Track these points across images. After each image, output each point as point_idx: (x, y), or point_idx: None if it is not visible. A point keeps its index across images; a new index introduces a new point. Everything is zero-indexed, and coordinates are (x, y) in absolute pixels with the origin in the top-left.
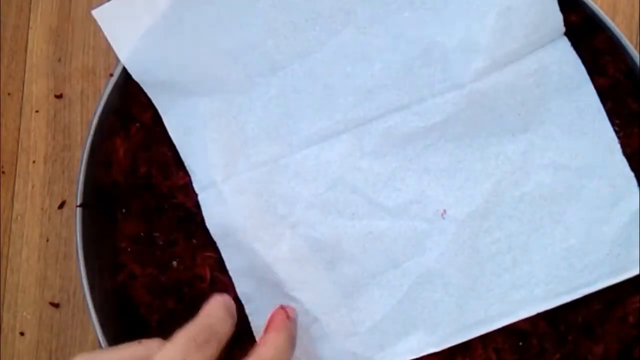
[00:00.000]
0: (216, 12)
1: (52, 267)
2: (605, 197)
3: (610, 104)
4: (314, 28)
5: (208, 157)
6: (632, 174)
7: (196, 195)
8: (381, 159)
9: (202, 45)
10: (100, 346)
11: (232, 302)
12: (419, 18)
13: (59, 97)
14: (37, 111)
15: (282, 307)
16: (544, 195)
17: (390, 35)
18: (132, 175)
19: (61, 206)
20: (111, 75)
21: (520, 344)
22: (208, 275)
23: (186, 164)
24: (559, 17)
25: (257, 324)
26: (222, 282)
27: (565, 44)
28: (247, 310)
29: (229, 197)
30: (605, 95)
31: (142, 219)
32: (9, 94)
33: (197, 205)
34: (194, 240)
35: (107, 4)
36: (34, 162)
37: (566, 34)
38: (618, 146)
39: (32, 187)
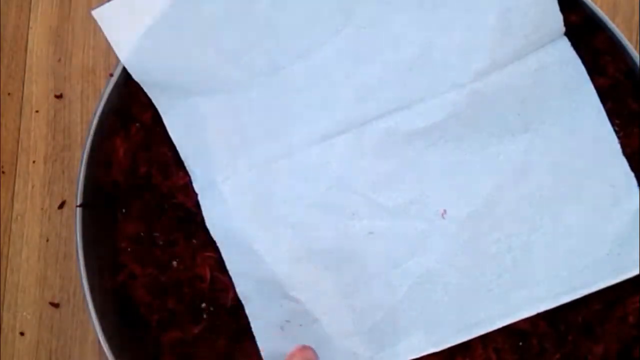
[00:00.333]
0: (216, 12)
1: (52, 267)
2: (605, 197)
3: (610, 104)
4: (314, 28)
5: (208, 157)
6: (632, 174)
7: (196, 195)
8: (381, 159)
9: (202, 45)
10: (100, 346)
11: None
12: (419, 18)
13: (59, 97)
14: (37, 111)
15: (302, 349)
16: (544, 195)
17: (390, 35)
18: (132, 175)
19: (61, 206)
20: (111, 75)
21: (520, 344)
22: (208, 275)
23: (186, 164)
24: (559, 17)
25: (257, 324)
26: (222, 282)
27: (565, 44)
28: (247, 310)
29: (229, 197)
30: (605, 95)
31: (142, 219)
32: (9, 94)
33: (197, 205)
34: (194, 240)
35: (107, 4)
36: (34, 162)
37: (566, 34)
38: (618, 146)
39: (32, 187)
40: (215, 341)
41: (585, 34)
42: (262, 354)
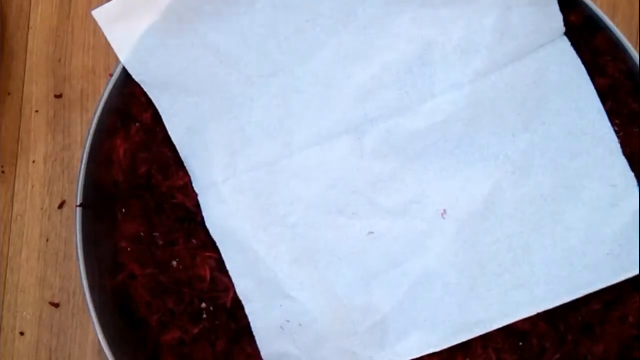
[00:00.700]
0: (216, 12)
1: (52, 267)
2: (605, 197)
3: (610, 104)
4: (314, 28)
5: (208, 157)
6: (632, 174)
7: (196, 195)
8: (381, 159)
9: (203, 45)
10: (100, 346)
11: None
12: (419, 18)
13: (59, 97)
14: (37, 111)
15: None
16: (544, 195)
17: (390, 35)
18: (132, 175)
19: (61, 206)
20: (111, 75)
21: (520, 344)
22: (208, 275)
23: (186, 164)
24: (559, 17)
25: (257, 324)
26: (222, 282)
27: (565, 44)
28: (247, 310)
29: (229, 198)
30: (605, 95)
31: (142, 219)
32: (9, 94)
33: (197, 205)
34: (194, 240)
35: (107, 4)
36: (34, 162)
37: (566, 34)
38: (618, 146)
39: (32, 187)
40: (215, 341)
41: (585, 34)
42: (262, 353)
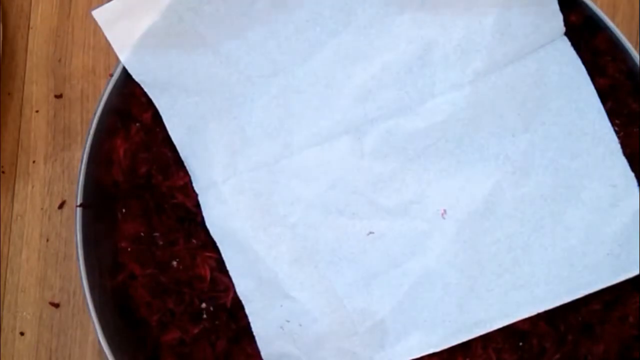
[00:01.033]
0: (216, 12)
1: (52, 267)
2: (605, 197)
3: (610, 104)
4: (314, 29)
5: (208, 157)
6: (632, 174)
7: (196, 195)
8: (381, 159)
9: (203, 45)
10: (100, 346)
11: None
12: (419, 18)
13: (59, 97)
14: (37, 111)
15: None
16: (544, 195)
17: (390, 35)
18: (132, 175)
19: (61, 206)
20: (111, 75)
21: (520, 344)
22: (208, 275)
23: (186, 164)
24: (559, 17)
25: (257, 324)
26: (222, 282)
27: (565, 44)
28: (247, 310)
29: (229, 198)
30: (605, 95)
31: (142, 219)
32: (9, 94)
33: (197, 205)
34: (194, 240)
35: (107, 4)
36: (34, 162)
37: (566, 34)
38: (618, 146)
39: (32, 187)
40: (215, 341)
41: (585, 34)
42: (262, 353)
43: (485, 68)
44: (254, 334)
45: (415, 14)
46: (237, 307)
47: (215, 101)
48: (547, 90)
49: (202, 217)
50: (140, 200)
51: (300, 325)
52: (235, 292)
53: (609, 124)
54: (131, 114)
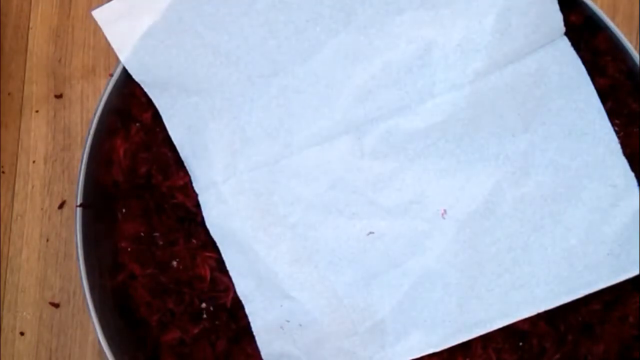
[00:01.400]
0: (216, 13)
1: (52, 267)
2: (605, 197)
3: (610, 104)
4: (314, 29)
5: (208, 157)
6: (632, 174)
7: (196, 195)
8: (381, 159)
9: (202, 45)
10: (100, 346)
11: None
12: (419, 18)
13: (59, 97)
14: (37, 111)
15: None
16: (544, 195)
17: (390, 35)
18: (132, 175)
19: (61, 206)
20: (111, 75)
21: (520, 344)
22: (208, 275)
23: (186, 164)
24: (559, 17)
25: (257, 324)
26: (222, 282)
27: (565, 44)
28: (247, 310)
29: (229, 198)
30: (605, 95)
31: (142, 219)
32: (9, 94)
33: (197, 205)
34: (194, 240)
35: (107, 4)
36: (34, 162)
37: (566, 34)
38: (618, 146)
39: (32, 187)
40: (215, 341)
41: (585, 34)
42: (262, 353)
43: (485, 68)
44: (254, 334)
45: (415, 13)
46: (237, 307)
47: (215, 101)
48: (547, 90)
49: (202, 217)
50: (140, 200)
51: (300, 325)
52: (235, 292)
53: (609, 124)
54: (131, 114)
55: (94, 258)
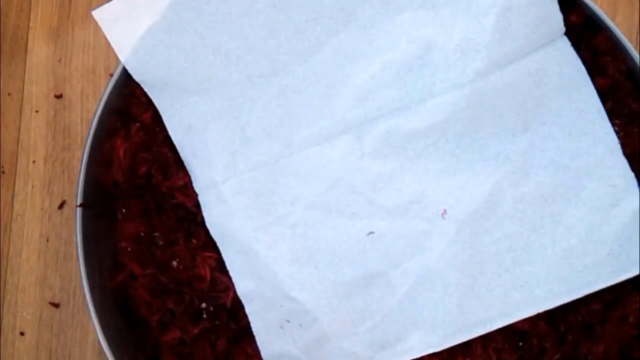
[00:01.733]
0: (216, 13)
1: (52, 267)
2: (605, 197)
3: (610, 104)
4: (314, 28)
5: (208, 157)
6: (632, 174)
7: (196, 195)
8: (381, 159)
9: (202, 45)
10: (100, 346)
11: None
12: (419, 18)
13: (59, 97)
14: (37, 111)
15: None
16: (544, 195)
17: (390, 35)
18: (132, 175)
19: (61, 206)
20: (111, 75)
21: (520, 344)
22: (208, 275)
23: (186, 164)
24: (559, 17)
25: (257, 324)
26: (222, 282)
27: (565, 44)
28: (247, 310)
29: (229, 198)
30: (605, 95)
31: (142, 219)
32: (9, 94)
33: (197, 205)
34: (194, 240)
35: (107, 4)
36: (34, 162)
37: (566, 34)
38: (618, 146)
39: (32, 187)
40: (215, 341)
41: (585, 34)
42: (262, 353)
43: (485, 68)
44: (254, 334)
45: (415, 13)
46: (237, 307)
47: (215, 101)
48: (547, 90)
49: (202, 217)
50: (140, 200)
51: (300, 325)
52: (235, 292)
53: (609, 124)
54: (131, 114)
55: (94, 258)
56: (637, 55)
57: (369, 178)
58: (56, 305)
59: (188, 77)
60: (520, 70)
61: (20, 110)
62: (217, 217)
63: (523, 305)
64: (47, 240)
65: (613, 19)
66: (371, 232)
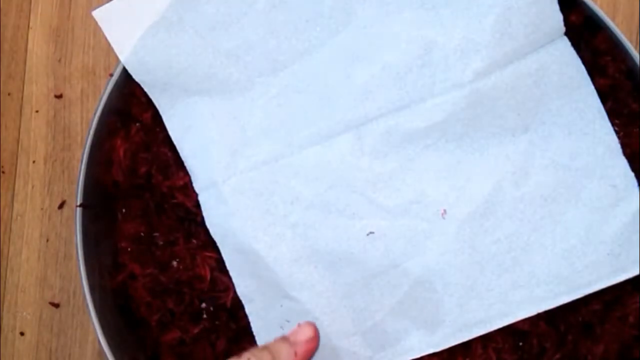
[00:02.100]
0: (216, 12)
1: (52, 267)
2: (605, 197)
3: (610, 104)
4: (314, 28)
5: (208, 157)
6: (632, 174)
7: (196, 195)
8: (381, 159)
9: (203, 45)
10: (100, 346)
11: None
12: (418, 18)
13: (59, 97)
14: (37, 111)
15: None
16: (544, 195)
17: (390, 35)
18: (132, 175)
19: (61, 206)
20: (111, 75)
21: (520, 344)
22: (208, 275)
23: (186, 164)
24: (559, 17)
25: (257, 324)
26: (222, 282)
27: (565, 44)
28: (247, 310)
29: (229, 198)
30: (605, 95)
31: (142, 219)
32: (9, 94)
33: (197, 205)
34: (194, 240)
35: (107, 4)
36: (34, 162)
37: (566, 34)
38: (618, 146)
39: (32, 187)
40: (215, 341)
41: (585, 34)
42: None
43: (485, 68)
44: (254, 334)
45: (415, 13)
46: (237, 307)
47: (215, 101)
48: (547, 90)
49: (202, 217)
50: (140, 200)
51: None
52: (235, 292)
53: (609, 124)
54: (131, 114)
55: (94, 258)
56: (637, 55)
57: (369, 178)
58: (56, 305)
59: (188, 77)
60: (521, 70)
61: (20, 110)
62: (217, 217)
63: (523, 305)
64: (47, 240)
65: (613, 19)
66: (371, 232)
